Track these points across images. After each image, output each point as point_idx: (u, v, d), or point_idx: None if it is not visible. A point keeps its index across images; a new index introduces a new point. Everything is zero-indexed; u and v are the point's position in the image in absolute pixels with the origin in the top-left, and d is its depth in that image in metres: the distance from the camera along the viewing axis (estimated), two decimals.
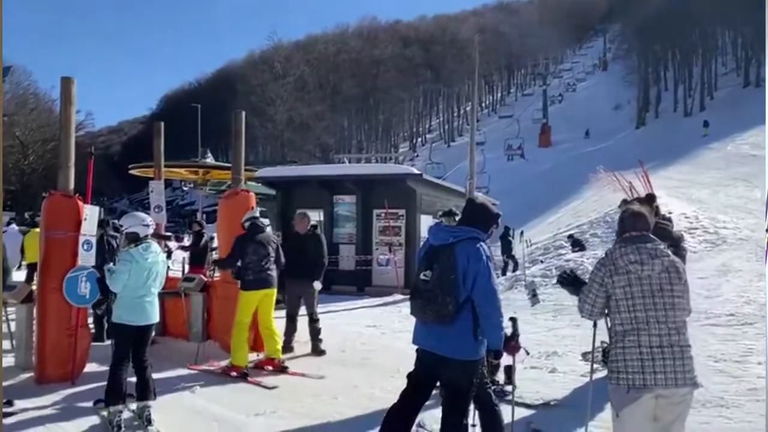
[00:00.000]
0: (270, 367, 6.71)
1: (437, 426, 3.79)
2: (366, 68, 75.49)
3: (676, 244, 5.50)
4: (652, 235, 3.25)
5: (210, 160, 29.17)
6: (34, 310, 6.45)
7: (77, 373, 6.22)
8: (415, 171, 14.97)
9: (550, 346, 7.73)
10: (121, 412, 4.81)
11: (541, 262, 15.68)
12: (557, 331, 8.83)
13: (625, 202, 5.71)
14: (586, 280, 3.38)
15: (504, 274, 16.53)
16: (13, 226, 14.23)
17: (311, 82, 74.43)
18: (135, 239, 4.99)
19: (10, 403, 5.24)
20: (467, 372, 3.55)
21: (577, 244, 15.96)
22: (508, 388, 5.54)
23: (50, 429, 4.82)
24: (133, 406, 5.00)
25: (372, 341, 8.48)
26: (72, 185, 6.57)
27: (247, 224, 6.73)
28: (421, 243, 14.35)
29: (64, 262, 6.19)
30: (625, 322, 3.11)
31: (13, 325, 7.25)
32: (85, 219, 6.33)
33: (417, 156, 65.87)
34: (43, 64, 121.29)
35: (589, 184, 27.72)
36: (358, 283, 13.94)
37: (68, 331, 6.19)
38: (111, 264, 5.15)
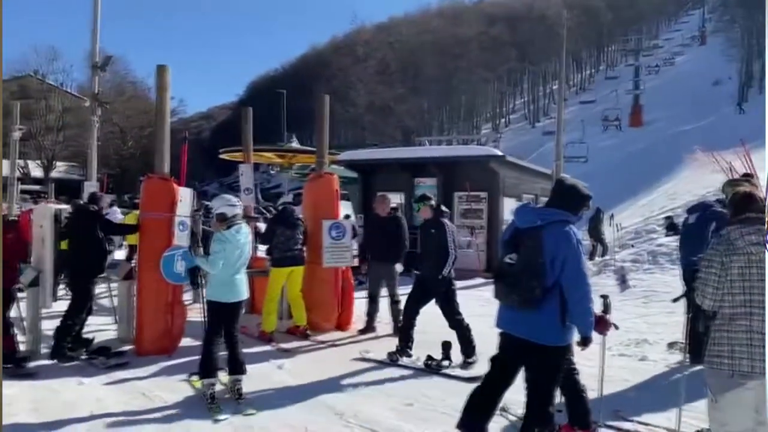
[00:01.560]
0: (297, 334, 7.48)
1: (522, 411, 3.73)
2: (448, 49, 74.37)
3: None
4: None
5: (295, 144, 29.90)
6: (134, 287, 6.87)
7: (173, 347, 6.58)
8: (498, 152, 14.67)
9: (641, 334, 7.43)
10: (213, 384, 5.04)
11: (632, 246, 15.03)
12: (648, 318, 8.48)
13: (731, 183, 5.35)
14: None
15: (592, 258, 15.99)
16: (115, 208, 15.12)
17: (393, 64, 74.35)
18: (223, 219, 5.21)
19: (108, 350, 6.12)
20: (554, 358, 3.46)
21: (673, 228, 15.13)
22: (445, 362, 6.10)
23: (149, 398, 5.13)
24: (225, 379, 5.23)
25: None
26: (167, 169, 6.91)
27: (279, 208, 7.63)
28: (504, 226, 14.10)
29: (161, 241, 6.53)
30: (737, 305, 2.93)
31: (115, 300, 7.76)
32: (180, 201, 6.65)
33: (500, 137, 64.59)
34: (138, 54, 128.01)
35: (685, 164, 26.29)
36: None
37: (165, 307, 6.55)
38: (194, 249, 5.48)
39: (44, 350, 6.45)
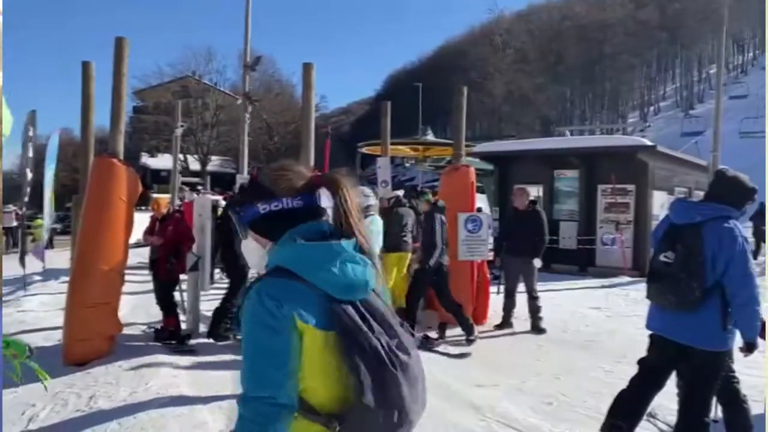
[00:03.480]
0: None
1: (671, 418, 3.48)
2: (592, 34, 70.87)
3: None
4: None
5: (430, 136, 30.05)
6: None
7: None
8: (648, 142, 13.73)
9: None
10: None
11: None
12: None
13: None
14: None
15: (755, 258, 14.53)
16: None
17: (532, 52, 72.25)
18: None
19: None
20: (712, 364, 3.19)
21: None
22: (439, 341, 6.71)
23: None
24: None
25: (596, 324, 8.09)
26: (312, 163, 7.25)
27: (391, 201, 7.99)
28: (653, 221, 13.20)
29: None
30: None
31: None
32: None
33: (649, 126, 60.50)
34: (282, 52, 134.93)
35: None
36: (580, 262, 13.32)
37: None
38: None
39: (202, 329, 7.05)
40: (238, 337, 6.74)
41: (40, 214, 15.07)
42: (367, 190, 5.72)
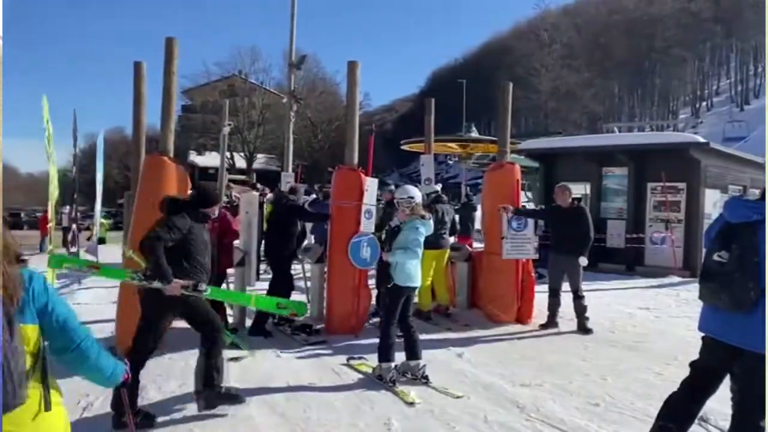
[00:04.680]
0: (440, 312, 8.05)
1: (724, 423, 3.37)
2: (641, 28, 69.03)
3: None
4: None
5: (474, 133, 29.80)
6: (325, 269, 7.36)
7: (359, 327, 6.95)
8: (700, 139, 13.31)
9: None
10: (393, 368, 5.21)
11: None
12: None
13: None
14: None
15: None
16: (313, 195, 16.22)
17: (579, 47, 70.85)
18: (420, 208, 5.39)
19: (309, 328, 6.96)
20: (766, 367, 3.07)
21: None
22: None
23: (338, 374, 5.47)
24: (413, 363, 5.35)
25: (644, 324, 7.89)
26: (356, 160, 7.28)
27: (433, 196, 7.93)
28: (705, 220, 12.72)
29: (349, 228, 6.91)
30: None
31: (308, 282, 8.37)
32: (367, 190, 6.97)
33: (701, 122, 58.62)
34: (325, 50, 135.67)
35: None
36: (628, 261, 13.02)
37: (352, 290, 6.93)
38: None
39: (248, 323, 7.17)
40: (288, 332, 6.85)
41: (92, 211, 15.60)
42: (414, 189, 5.68)
